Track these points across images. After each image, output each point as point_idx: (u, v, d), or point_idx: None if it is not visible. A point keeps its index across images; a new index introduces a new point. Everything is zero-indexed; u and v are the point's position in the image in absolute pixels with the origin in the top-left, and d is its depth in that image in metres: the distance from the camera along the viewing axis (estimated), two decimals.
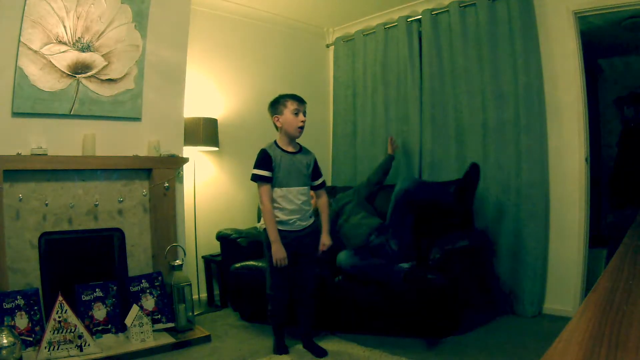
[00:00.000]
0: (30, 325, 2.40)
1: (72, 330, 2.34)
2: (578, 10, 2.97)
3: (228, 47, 3.83)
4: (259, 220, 3.74)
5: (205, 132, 3.36)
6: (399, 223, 2.88)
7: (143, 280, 2.81)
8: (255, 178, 2.41)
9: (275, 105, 2.49)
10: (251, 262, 3.07)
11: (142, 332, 2.54)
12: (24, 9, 2.47)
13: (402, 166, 3.77)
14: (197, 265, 3.54)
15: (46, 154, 2.56)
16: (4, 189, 2.44)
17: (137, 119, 2.95)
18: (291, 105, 2.45)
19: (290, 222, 2.45)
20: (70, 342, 2.33)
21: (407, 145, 3.74)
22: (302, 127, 2.46)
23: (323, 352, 2.50)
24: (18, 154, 2.47)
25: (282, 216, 2.44)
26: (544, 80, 3.08)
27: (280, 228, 2.42)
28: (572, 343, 0.60)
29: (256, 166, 2.43)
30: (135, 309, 2.59)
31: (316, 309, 2.65)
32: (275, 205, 2.43)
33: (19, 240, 2.52)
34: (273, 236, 2.39)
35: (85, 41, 2.70)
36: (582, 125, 2.99)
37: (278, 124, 2.48)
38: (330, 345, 2.62)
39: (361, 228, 3.00)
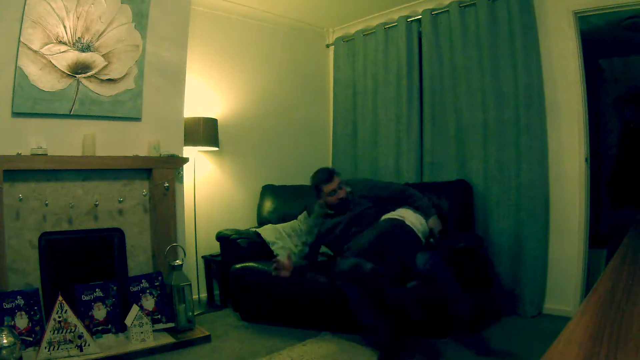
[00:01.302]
0: (30, 325, 2.40)
1: (72, 330, 2.34)
2: (578, 10, 2.97)
3: (228, 47, 3.82)
4: (258, 222, 3.74)
5: (205, 132, 3.36)
6: None
7: (143, 280, 2.81)
8: None
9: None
10: (251, 263, 3.07)
11: (142, 332, 2.54)
12: (24, 9, 2.47)
13: (402, 167, 3.77)
14: (197, 265, 3.54)
15: (46, 154, 2.56)
16: (4, 189, 2.44)
17: (137, 119, 2.95)
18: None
19: None
20: (70, 342, 2.33)
21: (407, 145, 3.74)
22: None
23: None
24: (18, 154, 2.47)
25: None
26: (544, 80, 3.08)
27: None
28: (572, 343, 0.60)
29: None
30: (135, 309, 2.59)
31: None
32: None
33: (19, 240, 2.52)
34: None
35: (85, 41, 2.70)
36: (582, 125, 2.99)
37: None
38: (330, 345, 2.63)
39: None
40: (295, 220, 3.53)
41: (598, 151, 4.72)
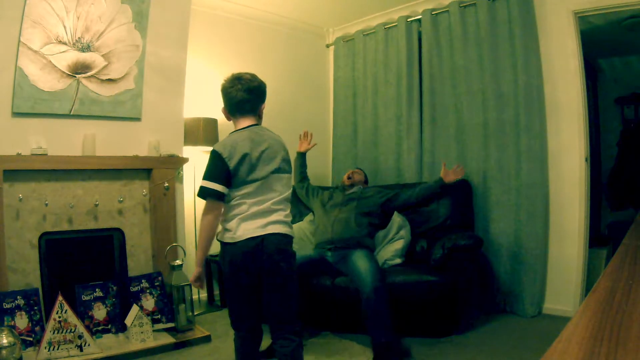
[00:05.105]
0: (30, 325, 2.40)
1: (72, 330, 2.34)
2: (578, 10, 2.97)
3: (228, 47, 3.82)
4: None
5: (205, 132, 3.36)
6: None
7: (143, 280, 2.81)
8: None
9: None
10: None
11: (142, 332, 2.54)
12: (24, 9, 2.47)
13: (402, 167, 3.77)
14: None
15: (46, 154, 2.56)
16: (4, 189, 2.44)
17: (137, 119, 2.95)
18: None
19: None
20: (70, 342, 2.33)
21: (407, 145, 3.74)
22: None
23: None
24: (18, 154, 2.47)
25: None
26: (544, 80, 3.08)
27: None
28: (572, 343, 0.60)
29: None
30: (135, 309, 2.59)
31: None
32: None
33: (19, 240, 2.52)
34: None
35: (85, 41, 2.70)
36: (582, 125, 2.99)
37: None
38: (330, 345, 2.63)
39: None
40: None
41: (598, 151, 4.72)
